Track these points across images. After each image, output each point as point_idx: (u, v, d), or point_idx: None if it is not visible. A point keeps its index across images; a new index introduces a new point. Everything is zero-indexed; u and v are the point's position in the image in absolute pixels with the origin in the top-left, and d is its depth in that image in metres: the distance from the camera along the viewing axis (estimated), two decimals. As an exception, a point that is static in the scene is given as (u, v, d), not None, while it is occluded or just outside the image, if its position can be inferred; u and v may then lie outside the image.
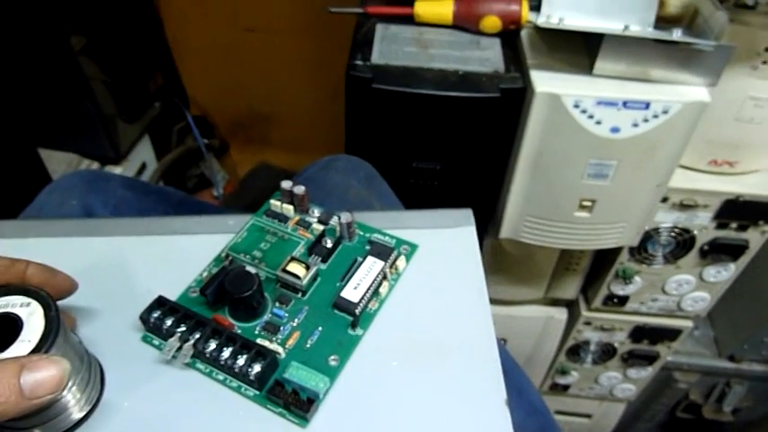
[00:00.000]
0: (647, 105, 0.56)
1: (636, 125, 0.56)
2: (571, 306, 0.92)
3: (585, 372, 1.01)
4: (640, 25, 0.54)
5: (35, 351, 0.27)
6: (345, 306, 0.36)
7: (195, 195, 1.23)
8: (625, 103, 0.56)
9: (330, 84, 1.14)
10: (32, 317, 0.29)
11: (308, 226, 0.41)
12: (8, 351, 0.27)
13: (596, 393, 1.06)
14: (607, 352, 0.96)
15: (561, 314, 0.92)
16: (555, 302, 0.92)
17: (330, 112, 1.20)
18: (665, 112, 0.56)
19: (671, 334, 0.91)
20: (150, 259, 0.40)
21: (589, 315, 0.89)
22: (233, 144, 1.32)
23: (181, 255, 0.40)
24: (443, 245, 0.41)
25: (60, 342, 0.29)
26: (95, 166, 1.00)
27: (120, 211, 0.51)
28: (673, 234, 0.74)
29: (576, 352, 0.97)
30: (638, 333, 0.91)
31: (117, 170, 0.99)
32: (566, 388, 1.05)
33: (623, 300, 0.85)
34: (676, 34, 0.54)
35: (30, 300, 0.29)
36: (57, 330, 0.28)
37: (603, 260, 0.81)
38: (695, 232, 0.74)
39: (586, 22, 0.54)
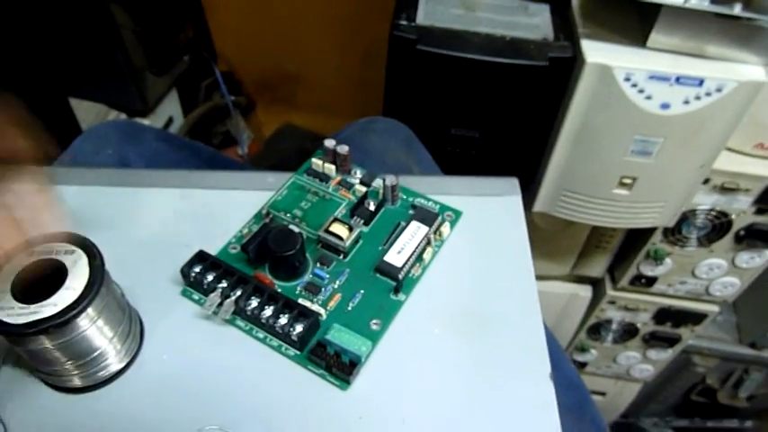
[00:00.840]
0: (701, 82, 0.53)
1: (687, 102, 0.54)
2: (596, 284, 0.91)
3: (605, 350, 1.00)
4: (700, -3, 0.52)
5: (80, 299, 0.27)
6: (389, 270, 0.35)
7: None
8: (678, 79, 0.53)
9: (361, 46, 1.12)
10: (77, 264, 0.28)
11: (350, 187, 0.40)
12: (54, 297, 0.27)
13: (613, 372, 1.06)
14: (629, 332, 0.95)
15: (586, 291, 0.91)
16: (580, 279, 0.91)
17: (359, 76, 1.18)
18: (719, 90, 0.54)
19: (695, 318, 0.90)
20: (188, 213, 0.40)
21: (614, 294, 0.87)
22: (259, 103, 1.30)
23: (219, 209, 0.40)
24: (488, 213, 0.39)
25: (104, 292, 0.28)
26: (123, 117, 0.99)
27: (154, 163, 0.51)
28: (710, 217, 0.72)
29: (596, 330, 0.96)
30: (663, 315, 0.90)
31: (144, 123, 0.99)
32: (583, 365, 1.05)
33: (651, 281, 0.83)
34: (737, 9, 0.52)
35: (74, 248, 0.29)
36: (101, 280, 0.28)
37: (635, 239, 0.79)
38: (733, 216, 0.72)
39: (644, -9, 0.52)
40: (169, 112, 1.07)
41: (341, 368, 0.31)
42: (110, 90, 0.95)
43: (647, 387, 1.12)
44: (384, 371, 0.32)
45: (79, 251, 0.29)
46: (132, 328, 0.32)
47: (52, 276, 0.28)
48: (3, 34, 0.81)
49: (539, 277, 0.91)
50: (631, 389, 1.12)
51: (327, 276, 0.35)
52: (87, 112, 0.96)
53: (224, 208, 0.40)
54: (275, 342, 0.32)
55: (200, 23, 1.13)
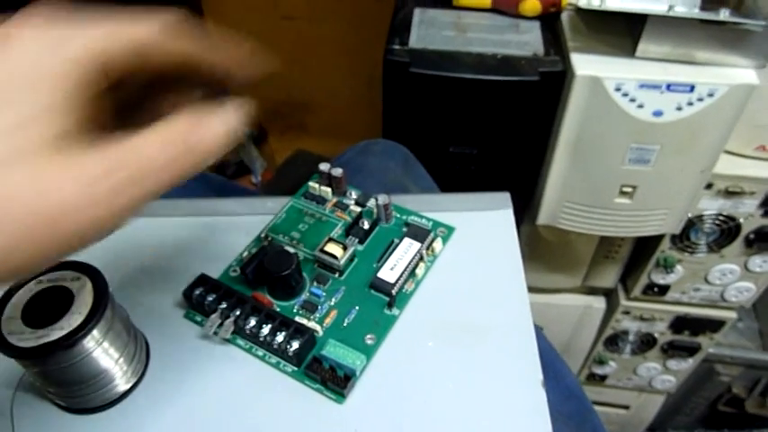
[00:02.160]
0: (692, 88, 0.54)
1: (680, 108, 0.55)
2: (609, 295, 0.91)
3: (624, 362, 0.99)
4: (686, 5, 0.53)
5: (85, 322, 0.29)
6: (382, 286, 0.36)
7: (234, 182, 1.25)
8: (669, 86, 0.54)
9: (367, 70, 1.15)
10: (83, 290, 0.30)
11: (345, 208, 0.41)
12: (61, 321, 0.29)
13: (635, 384, 1.04)
14: (646, 342, 0.94)
15: (599, 303, 0.91)
16: (593, 291, 0.91)
17: (367, 99, 1.20)
18: (711, 95, 0.54)
19: (713, 325, 0.89)
20: (192, 239, 0.41)
21: (628, 304, 0.87)
22: (271, 132, 1.33)
23: (222, 235, 0.41)
24: (480, 228, 0.40)
25: (108, 315, 0.30)
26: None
27: (165, 195, 0.52)
28: (717, 222, 0.72)
29: (614, 342, 0.95)
30: (679, 323, 0.89)
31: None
32: (603, 378, 1.04)
33: (664, 289, 0.83)
34: (724, 14, 0.53)
35: (79, 275, 0.31)
36: (105, 304, 0.30)
37: (644, 248, 0.79)
38: (741, 220, 0.72)
39: (629, 3, 0.53)
40: (183, 145, 1.10)
41: (336, 382, 0.32)
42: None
43: (672, 399, 1.11)
44: (379, 384, 0.33)
45: (84, 277, 0.30)
46: (138, 350, 0.33)
47: (60, 302, 0.29)
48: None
49: (551, 290, 0.91)
50: (655, 401, 1.10)
51: (324, 294, 0.36)
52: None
53: (226, 233, 0.41)
54: (274, 359, 0.34)
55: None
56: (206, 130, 0.24)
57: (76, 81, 0.22)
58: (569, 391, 0.41)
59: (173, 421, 0.32)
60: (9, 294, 0.30)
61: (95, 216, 0.21)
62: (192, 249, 0.41)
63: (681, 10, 0.54)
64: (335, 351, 0.33)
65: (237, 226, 0.42)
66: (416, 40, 0.59)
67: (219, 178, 0.67)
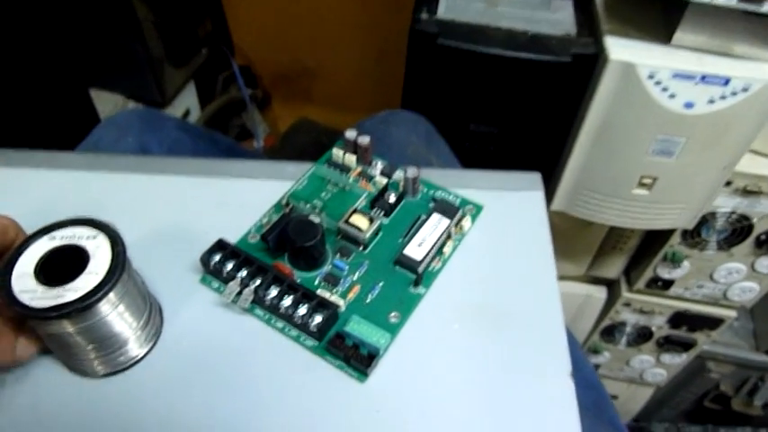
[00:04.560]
0: (727, 81, 0.53)
1: (712, 102, 0.54)
2: (612, 285, 0.90)
3: (618, 353, 0.99)
4: (729, -6, 0.51)
5: (102, 284, 0.27)
6: (408, 263, 0.34)
7: (236, 146, 1.22)
8: (703, 78, 0.53)
9: (377, 43, 1.12)
10: (99, 250, 0.28)
11: (370, 178, 0.40)
12: (77, 281, 0.27)
13: (626, 375, 1.05)
14: (643, 335, 0.94)
15: (600, 293, 0.90)
16: (595, 280, 0.90)
17: (375, 72, 1.18)
18: (745, 89, 0.53)
19: (712, 323, 0.89)
20: (208, 201, 0.40)
21: (630, 296, 0.87)
22: (275, 97, 1.30)
23: (239, 198, 0.40)
24: (509, 208, 0.39)
25: (125, 278, 0.28)
26: (140, 107, 1.00)
27: (174, 151, 0.51)
28: (730, 220, 0.71)
29: (610, 332, 0.95)
30: (678, 319, 0.89)
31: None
32: (596, 367, 1.04)
33: (668, 284, 0.82)
34: (767, 6, 0.51)
35: (96, 232, 0.29)
36: (123, 265, 0.28)
37: (653, 241, 0.78)
38: (754, 220, 0.71)
39: (671, -12, 0.51)
40: (186, 104, 1.07)
41: (359, 360, 0.30)
42: (129, 81, 0.95)
43: (660, 391, 1.11)
44: (402, 364, 0.31)
45: (101, 236, 0.29)
46: (152, 315, 0.32)
47: (74, 261, 0.28)
48: (25, 24, 0.81)
49: (554, 277, 0.90)
50: (644, 393, 1.11)
51: (347, 268, 0.35)
52: (105, 103, 0.97)
53: (243, 197, 0.40)
54: (294, 332, 0.32)
55: (219, 17, 1.13)
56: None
57: None
58: (587, 382, 0.40)
59: (186, 389, 0.30)
60: (19, 251, 0.28)
61: None
62: (206, 212, 0.39)
63: (725, 1, 0.52)
64: (359, 328, 0.31)
65: (255, 189, 0.40)
66: (445, 10, 0.57)
67: (228, 140, 0.65)
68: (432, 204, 0.38)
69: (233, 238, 0.36)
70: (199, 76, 1.08)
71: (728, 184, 0.66)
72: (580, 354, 0.42)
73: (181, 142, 0.51)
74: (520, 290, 0.35)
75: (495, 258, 0.36)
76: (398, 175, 0.39)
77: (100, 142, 0.48)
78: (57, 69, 0.88)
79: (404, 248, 0.35)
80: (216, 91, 1.16)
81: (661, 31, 0.55)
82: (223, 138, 0.62)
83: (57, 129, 0.84)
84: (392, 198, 0.38)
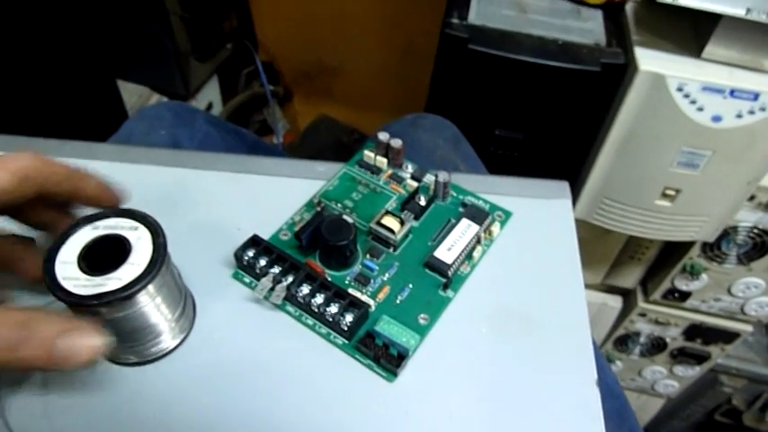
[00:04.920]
0: (756, 96, 0.53)
1: (740, 116, 0.54)
2: (627, 295, 0.90)
3: (630, 363, 0.99)
4: (764, 10, 0.51)
5: (143, 275, 0.27)
6: (438, 266, 0.35)
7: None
8: (732, 92, 0.53)
9: (400, 43, 1.12)
10: (140, 241, 0.29)
11: (400, 181, 0.40)
12: (119, 271, 0.27)
13: (637, 386, 1.05)
14: (657, 346, 0.94)
15: (616, 302, 0.90)
16: (611, 289, 0.90)
17: (397, 72, 1.18)
18: (774, 105, 0.53)
19: (727, 336, 0.88)
20: (239, 197, 0.40)
21: (645, 307, 0.87)
22: (297, 93, 1.31)
23: (270, 195, 0.40)
24: (538, 215, 0.39)
25: (164, 270, 0.29)
26: (165, 100, 1.01)
27: (204, 145, 0.51)
28: (752, 234, 0.71)
29: (624, 342, 0.95)
30: (693, 331, 0.89)
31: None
32: (607, 376, 1.04)
33: (685, 295, 0.82)
34: (800, 23, 0.51)
35: (137, 224, 0.29)
36: (163, 258, 0.28)
37: (672, 253, 0.78)
38: (775, 235, 0.71)
39: (706, 2, 0.51)
40: (209, 97, 1.08)
41: (389, 360, 0.31)
42: (155, 73, 0.97)
43: (671, 403, 1.11)
44: (430, 366, 0.32)
45: (143, 228, 0.29)
46: (186, 308, 0.32)
47: (116, 251, 0.28)
48: (55, 16, 0.83)
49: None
50: (654, 404, 1.11)
51: (377, 268, 0.35)
52: (131, 94, 0.98)
53: (273, 194, 0.40)
54: (324, 330, 0.33)
55: (245, 12, 1.14)
56: (77, 341, 0.25)
57: None
58: (609, 390, 0.41)
59: (215, 382, 0.31)
60: (64, 237, 0.29)
61: None
62: (238, 207, 0.39)
63: (758, 14, 0.52)
64: (389, 328, 0.32)
65: (285, 187, 0.41)
66: (476, 15, 0.57)
67: (253, 136, 0.65)
68: (461, 209, 0.38)
69: (264, 234, 0.37)
70: (222, 70, 1.09)
71: (752, 198, 0.66)
72: (603, 362, 0.43)
73: (210, 137, 0.52)
74: (547, 297, 0.35)
75: (523, 265, 0.37)
76: (429, 178, 0.40)
77: (132, 134, 0.49)
78: (85, 60, 0.89)
79: (434, 251, 0.35)
80: (239, 86, 1.17)
81: (691, 44, 0.55)
82: (249, 133, 0.63)
83: (85, 118, 0.85)
84: (422, 201, 0.38)
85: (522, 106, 0.58)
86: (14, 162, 0.28)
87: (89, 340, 0.25)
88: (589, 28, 0.57)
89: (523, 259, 0.37)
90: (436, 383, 0.31)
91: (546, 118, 0.59)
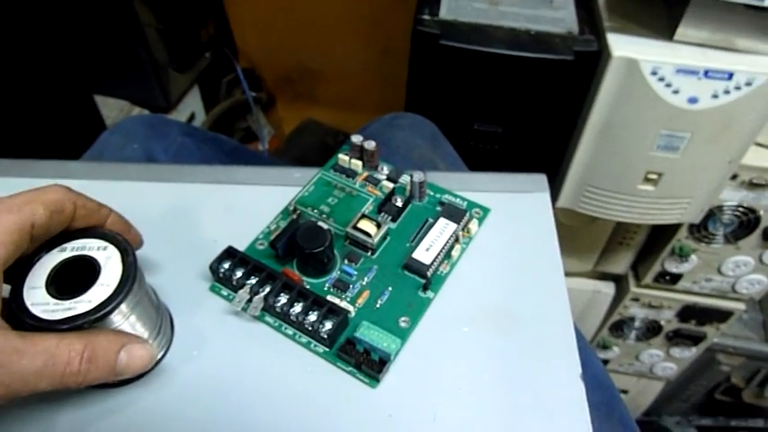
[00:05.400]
0: (731, 76, 0.52)
1: (716, 96, 0.54)
2: (619, 281, 0.90)
3: (627, 348, 0.99)
4: (732, -11, 0.51)
5: (114, 296, 0.27)
6: (417, 268, 0.35)
7: (240, 149, 1.23)
8: (706, 73, 0.53)
9: (380, 42, 1.12)
10: (110, 261, 0.28)
11: (376, 183, 0.40)
12: (88, 293, 0.27)
13: (636, 370, 1.05)
14: (652, 329, 0.94)
15: (608, 288, 0.90)
16: (603, 276, 0.90)
17: (379, 71, 1.18)
18: (749, 83, 0.53)
19: (720, 316, 0.89)
20: (215, 208, 0.40)
21: (638, 291, 0.87)
22: (280, 99, 1.30)
23: (245, 205, 0.40)
24: (516, 210, 0.39)
25: (136, 288, 0.29)
26: (146, 113, 1.00)
27: (179, 157, 0.51)
28: (737, 213, 0.71)
29: (619, 327, 0.95)
30: (687, 312, 0.89)
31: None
32: (605, 362, 1.04)
33: (676, 278, 0.82)
34: (770, 0, 0.51)
35: (107, 244, 0.29)
36: (134, 276, 0.28)
37: (660, 236, 0.78)
38: (761, 213, 0.71)
39: (674, -17, 0.51)
40: (191, 108, 1.08)
41: (370, 366, 0.31)
42: (133, 87, 0.96)
43: (670, 385, 1.11)
44: (413, 369, 0.32)
45: (112, 247, 0.29)
46: (163, 324, 0.32)
47: (85, 272, 0.28)
48: (28, 32, 0.82)
49: (561, 274, 0.89)
50: (654, 387, 1.11)
51: (356, 273, 0.35)
52: (111, 108, 0.97)
53: (250, 203, 0.40)
54: (304, 339, 0.32)
55: (222, 20, 1.13)
56: (135, 353, 0.28)
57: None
58: (597, 380, 0.40)
59: (196, 397, 0.31)
60: (31, 262, 0.28)
61: None
62: (213, 219, 0.39)
63: (727, -7, 0.52)
64: (370, 333, 0.31)
65: (261, 196, 0.40)
66: (447, 11, 0.57)
67: (232, 142, 0.65)
68: (439, 208, 0.38)
69: (241, 245, 0.36)
70: (203, 79, 1.09)
71: (734, 177, 0.66)
72: (590, 353, 0.42)
73: (186, 148, 0.51)
74: (528, 292, 0.35)
75: (502, 261, 0.36)
76: (405, 179, 0.40)
77: (106, 149, 0.49)
78: (60, 77, 0.89)
79: (412, 253, 0.35)
80: (220, 94, 1.16)
81: (663, 27, 0.55)
82: (227, 140, 0.62)
83: (63, 136, 0.84)
84: (399, 202, 0.38)
85: (498, 99, 0.58)
86: (50, 195, 0.27)
87: (144, 349, 0.28)
88: (561, 17, 0.57)
89: (503, 255, 0.37)
90: (420, 386, 0.31)
91: (524, 109, 0.59)
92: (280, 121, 1.33)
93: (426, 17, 0.56)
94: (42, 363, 0.24)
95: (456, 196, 0.39)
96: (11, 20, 0.78)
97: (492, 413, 0.30)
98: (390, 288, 0.34)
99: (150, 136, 0.50)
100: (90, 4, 0.84)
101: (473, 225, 0.37)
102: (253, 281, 0.33)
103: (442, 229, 0.36)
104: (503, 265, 0.36)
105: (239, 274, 0.33)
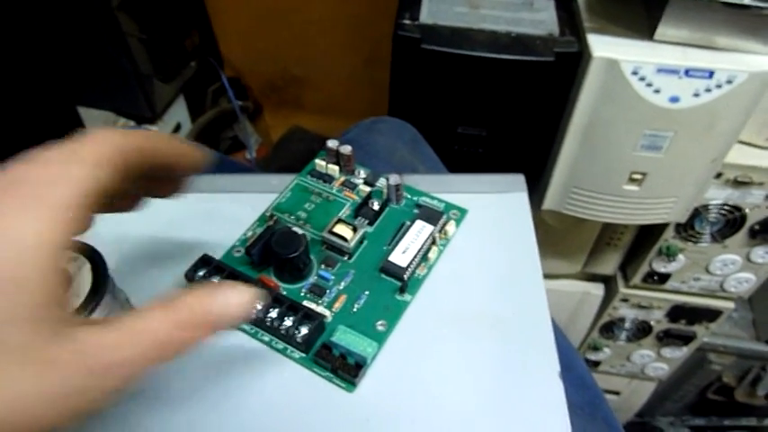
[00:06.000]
0: (711, 74, 0.53)
1: (697, 95, 0.54)
2: (608, 282, 0.90)
3: (618, 349, 0.99)
4: (709, -13, 0.51)
5: (83, 307, 0.27)
6: (394, 270, 0.34)
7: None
8: (687, 72, 0.53)
9: (366, 47, 1.12)
10: (80, 272, 0.28)
11: (353, 187, 0.40)
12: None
13: (627, 371, 1.04)
14: (642, 330, 0.94)
15: (598, 290, 0.90)
16: (592, 278, 0.90)
17: (365, 77, 1.18)
18: (730, 81, 0.53)
19: (710, 315, 0.88)
20: (192, 217, 0.39)
21: (627, 292, 0.86)
22: (266, 107, 1.30)
23: (223, 213, 0.39)
24: (494, 210, 0.39)
25: (108, 299, 0.28)
26: (131, 124, 1.00)
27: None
28: (723, 212, 0.71)
29: (609, 329, 0.95)
30: (677, 312, 0.89)
31: (152, 129, 0.99)
32: (596, 364, 1.03)
33: (664, 278, 0.82)
34: (747, -2, 0.51)
35: (77, 255, 0.29)
36: (104, 287, 0.28)
37: (647, 236, 0.78)
38: (747, 211, 0.71)
39: (651, -17, 0.51)
40: (177, 118, 1.07)
41: (347, 370, 0.30)
42: (117, 98, 0.95)
43: (662, 386, 1.11)
44: (391, 372, 0.31)
45: (82, 258, 0.29)
46: (136, 333, 0.31)
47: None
48: (10, 43, 0.81)
49: (550, 276, 0.90)
50: (646, 388, 1.11)
51: (332, 278, 0.35)
52: (95, 120, 0.97)
53: (228, 211, 0.39)
54: (280, 345, 0.32)
55: (207, 29, 1.13)
56: (222, 301, 0.23)
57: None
58: (581, 381, 0.40)
59: (172, 405, 0.30)
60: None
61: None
62: (191, 227, 0.39)
63: (704, -8, 0.52)
64: (346, 338, 0.31)
65: (240, 204, 0.40)
66: (427, 15, 0.57)
67: (215, 153, 0.65)
68: (416, 211, 0.38)
69: (218, 253, 0.36)
70: (188, 89, 1.08)
71: (719, 175, 0.66)
72: (572, 353, 0.42)
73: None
74: (505, 292, 0.35)
75: (480, 262, 0.36)
76: (382, 182, 0.39)
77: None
78: (42, 89, 0.88)
79: (388, 256, 0.35)
80: (206, 104, 1.16)
81: (643, 27, 0.55)
82: (209, 151, 0.62)
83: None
84: (376, 206, 0.38)
85: (481, 102, 0.58)
86: (88, 149, 0.22)
87: (238, 295, 0.23)
88: (542, 19, 0.57)
89: (481, 256, 0.36)
90: (397, 389, 0.31)
91: (507, 112, 0.59)
92: (267, 129, 1.32)
93: (407, 21, 0.56)
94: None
95: (433, 198, 0.39)
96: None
97: (471, 414, 0.30)
98: (367, 292, 0.34)
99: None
100: (72, 14, 0.84)
101: (450, 227, 0.37)
102: (228, 288, 0.33)
103: (419, 232, 0.36)
104: (480, 265, 0.36)
105: (215, 281, 0.33)
